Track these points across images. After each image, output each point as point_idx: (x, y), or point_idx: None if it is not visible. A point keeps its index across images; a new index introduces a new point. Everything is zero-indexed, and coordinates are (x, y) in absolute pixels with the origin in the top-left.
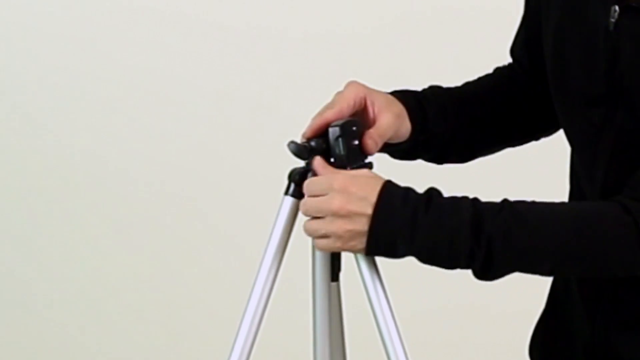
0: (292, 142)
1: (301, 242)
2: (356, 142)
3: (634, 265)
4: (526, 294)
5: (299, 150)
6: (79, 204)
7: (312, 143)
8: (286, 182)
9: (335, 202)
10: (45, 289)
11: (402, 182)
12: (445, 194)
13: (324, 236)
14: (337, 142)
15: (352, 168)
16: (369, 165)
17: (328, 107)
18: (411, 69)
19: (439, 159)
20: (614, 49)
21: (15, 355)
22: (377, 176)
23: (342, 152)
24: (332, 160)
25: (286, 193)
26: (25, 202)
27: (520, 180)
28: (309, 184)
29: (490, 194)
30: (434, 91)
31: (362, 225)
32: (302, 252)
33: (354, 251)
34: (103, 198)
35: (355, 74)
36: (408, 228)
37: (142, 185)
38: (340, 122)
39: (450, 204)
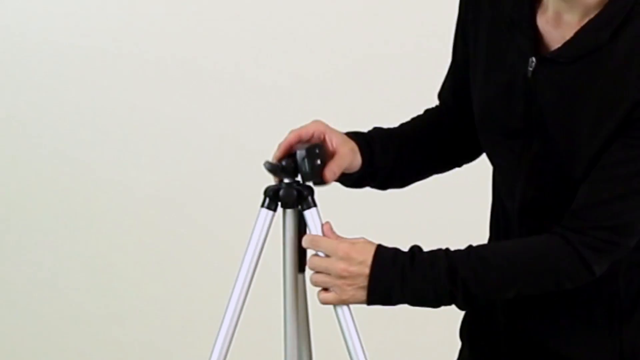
0: (267, 162)
1: (275, 246)
2: (319, 162)
3: (579, 279)
4: None
5: (273, 168)
6: (77, 206)
7: (283, 162)
8: (262, 197)
9: (340, 266)
10: (43, 289)
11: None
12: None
13: (329, 290)
14: (303, 162)
15: (315, 183)
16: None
17: (290, 132)
18: (358, 112)
19: (382, 186)
20: (531, 92)
21: (14, 355)
22: (371, 242)
23: (307, 170)
24: (299, 176)
25: (262, 206)
26: (25, 204)
27: (451, 197)
28: (318, 243)
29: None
30: (378, 132)
31: (362, 282)
32: (275, 253)
33: (356, 303)
34: (101, 201)
35: (319, 114)
36: (399, 282)
37: (137, 189)
38: (305, 146)
39: (429, 258)
